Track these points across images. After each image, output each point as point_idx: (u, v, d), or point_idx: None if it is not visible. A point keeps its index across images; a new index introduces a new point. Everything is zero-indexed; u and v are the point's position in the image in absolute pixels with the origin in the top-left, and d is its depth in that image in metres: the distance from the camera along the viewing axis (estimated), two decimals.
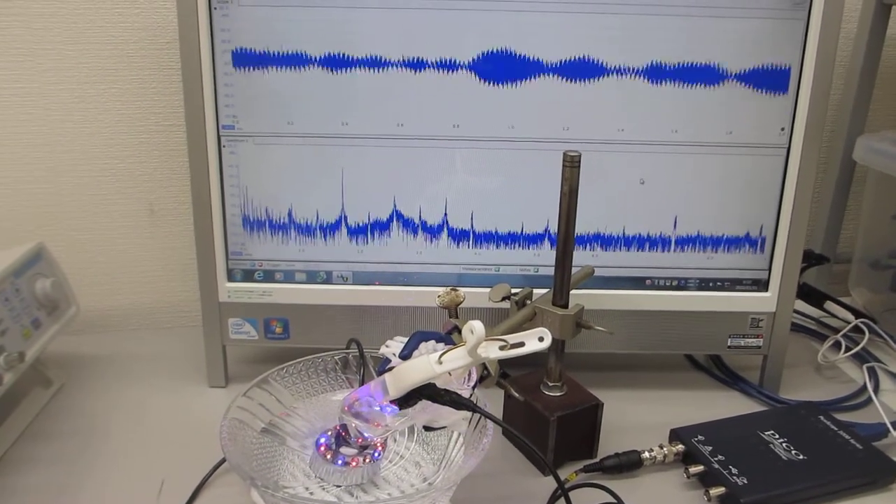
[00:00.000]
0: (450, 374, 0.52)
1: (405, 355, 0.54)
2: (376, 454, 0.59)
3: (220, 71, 0.70)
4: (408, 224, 0.74)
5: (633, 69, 0.70)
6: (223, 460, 0.66)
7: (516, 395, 0.64)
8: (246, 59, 0.70)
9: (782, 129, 0.72)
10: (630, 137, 0.72)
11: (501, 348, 0.51)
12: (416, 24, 0.69)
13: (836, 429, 0.69)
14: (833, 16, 0.69)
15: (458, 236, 0.75)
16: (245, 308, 0.76)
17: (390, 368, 0.54)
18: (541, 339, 0.51)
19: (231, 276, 0.76)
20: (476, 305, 0.72)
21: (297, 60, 0.69)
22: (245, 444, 0.58)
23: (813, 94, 0.71)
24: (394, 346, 0.56)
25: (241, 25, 0.69)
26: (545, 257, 0.75)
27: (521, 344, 0.51)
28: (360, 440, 0.58)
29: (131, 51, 0.86)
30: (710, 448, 0.66)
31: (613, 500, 0.62)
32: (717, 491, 0.62)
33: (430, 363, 0.51)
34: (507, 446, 0.70)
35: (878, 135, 0.92)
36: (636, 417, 0.74)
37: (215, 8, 0.68)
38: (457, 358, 0.50)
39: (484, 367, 0.59)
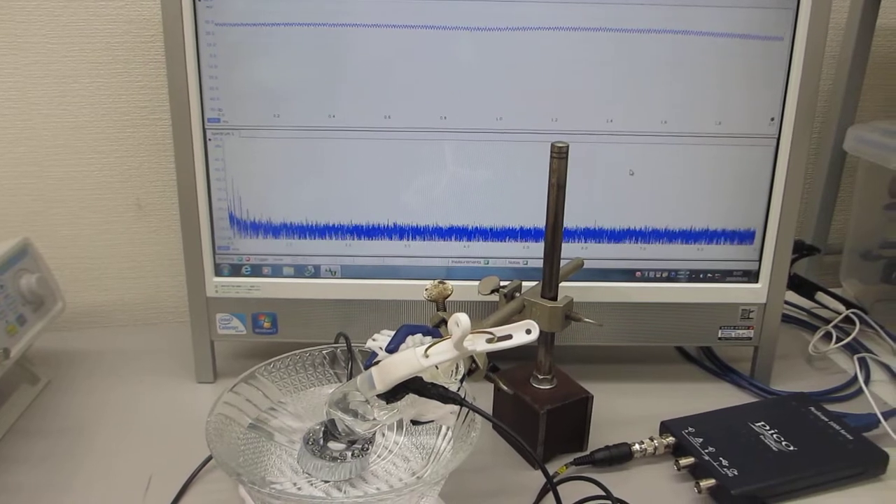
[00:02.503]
0: (437, 367, 0.52)
1: (392, 349, 0.54)
2: (364, 449, 0.58)
3: (205, 63, 0.69)
4: (396, 217, 0.74)
5: (621, 59, 0.70)
6: (211, 456, 0.65)
7: (505, 388, 0.64)
8: (231, 52, 0.69)
9: (772, 120, 0.72)
10: (619, 128, 0.72)
11: (489, 341, 0.50)
12: (405, 11, 0.68)
13: (826, 420, 0.69)
14: (822, 5, 0.68)
15: (447, 229, 0.74)
16: (233, 303, 0.76)
17: (377, 362, 0.53)
18: (528, 332, 0.51)
19: (218, 271, 0.75)
20: (465, 299, 0.71)
21: (282, 52, 0.69)
22: (232, 440, 0.58)
23: (802, 84, 0.70)
24: (381, 340, 0.56)
25: (226, 17, 0.68)
26: (534, 250, 0.75)
27: (509, 336, 0.51)
28: (347, 435, 0.58)
29: (116, 44, 0.85)
30: (701, 440, 0.66)
31: (603, 494, 0.61)
32: (707, 483, 0.62)
33: (416, 357, 0.50)
34: (497, 440, 0.70)
35: (868, 125, 0.91)
36: (627, 410, 0.74)
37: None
38: (443, 351, 0.50)
39: (472, 360, 0.59)
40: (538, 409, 0.65)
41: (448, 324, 0.49)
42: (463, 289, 0.71)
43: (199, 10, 0.68)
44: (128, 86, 0.87)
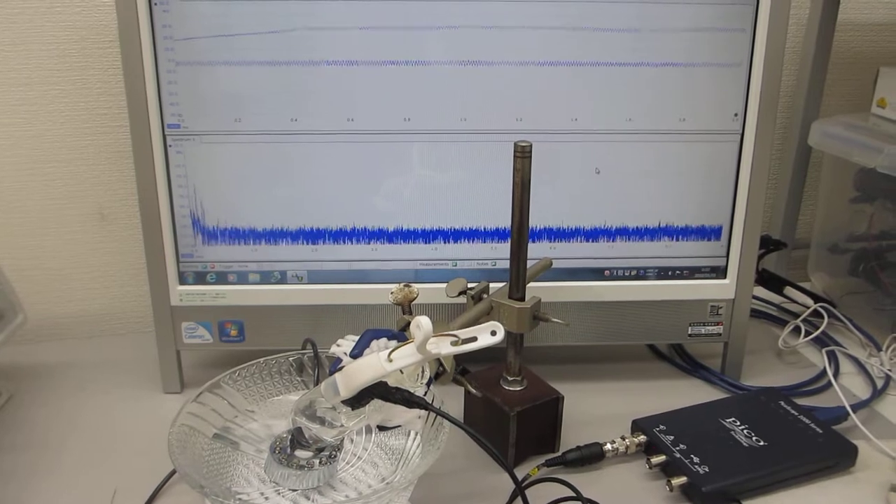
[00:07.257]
0: (401, 371, 0.51)
1: (356, 354, 0.53)
2: (332, 456, 0.58)
3: (163, 69, 0.68)
4: (362, 220, 0.73)
5: (585, 57, 0.69)
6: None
7: (473, 391, 0.63)
8: (189, 56, 0.68)
9: (735, 115, 0.72)
10: (584, 127, 0.71)
11: (453, 344, 0.50)
12: (364, 14, 0.67)
13: (796, 414, 0.69)
14: (782, 1, 0.69)
15: (414, 231, 0.74)
16: (198, 311, 0.74)
17: (341, 368, 0.53)
18: (493, 333, 0.50)
19: (182, 279, 0.74)
20: (433, 301, 0.70)
21: (241, 55, 0.68)
22: (196, 451, 0.57)
23: (765, 79, 0.70)
24: (345, 345, 0.55)
25: (183, 21, 0.67)
26: (502, 251, 0.74)
27: (474, 339, 0.50)
28: (315, 442, 0.57)
29: (73, 51, 0.84)
30: (672, 437, 0.66)
31: (573, 495, 0.61)
32: (678, 481, 0.62)
33: (380, 361, 0.50)
34: (467, 443, 0.69)
35: (832, 119, 0.92)
36: (598, 409, 0.74)
37: (155, 4, 0.66)
38: (407, 355, 0.49)
39: (439, 363, 0.58)
40: (508, 411, 0.65)
41: (410, 327, 0.48)
42: (431, 291, 0.70)
43: (156, 14, 0.67)
44: (86, 93, 0.85)
